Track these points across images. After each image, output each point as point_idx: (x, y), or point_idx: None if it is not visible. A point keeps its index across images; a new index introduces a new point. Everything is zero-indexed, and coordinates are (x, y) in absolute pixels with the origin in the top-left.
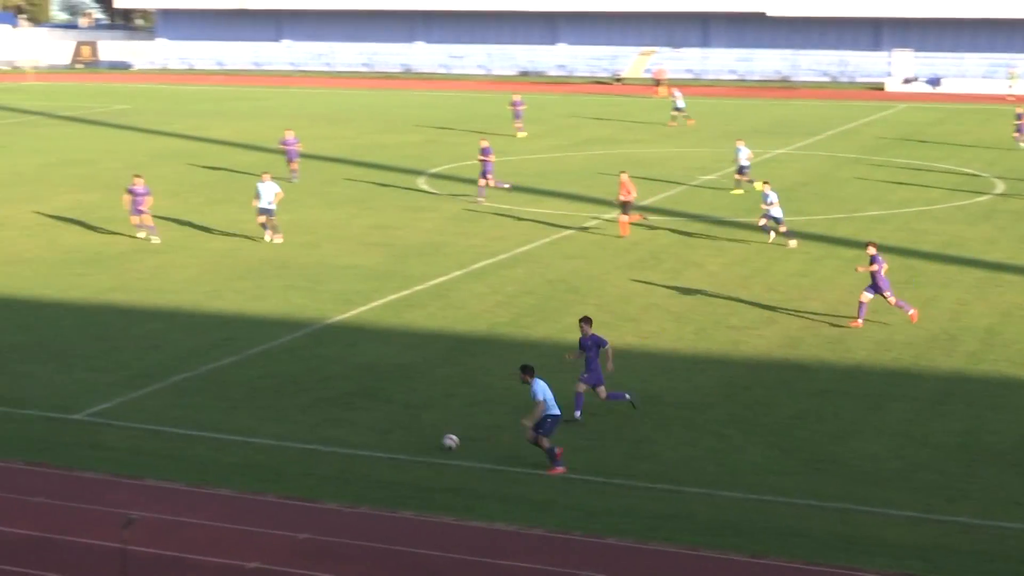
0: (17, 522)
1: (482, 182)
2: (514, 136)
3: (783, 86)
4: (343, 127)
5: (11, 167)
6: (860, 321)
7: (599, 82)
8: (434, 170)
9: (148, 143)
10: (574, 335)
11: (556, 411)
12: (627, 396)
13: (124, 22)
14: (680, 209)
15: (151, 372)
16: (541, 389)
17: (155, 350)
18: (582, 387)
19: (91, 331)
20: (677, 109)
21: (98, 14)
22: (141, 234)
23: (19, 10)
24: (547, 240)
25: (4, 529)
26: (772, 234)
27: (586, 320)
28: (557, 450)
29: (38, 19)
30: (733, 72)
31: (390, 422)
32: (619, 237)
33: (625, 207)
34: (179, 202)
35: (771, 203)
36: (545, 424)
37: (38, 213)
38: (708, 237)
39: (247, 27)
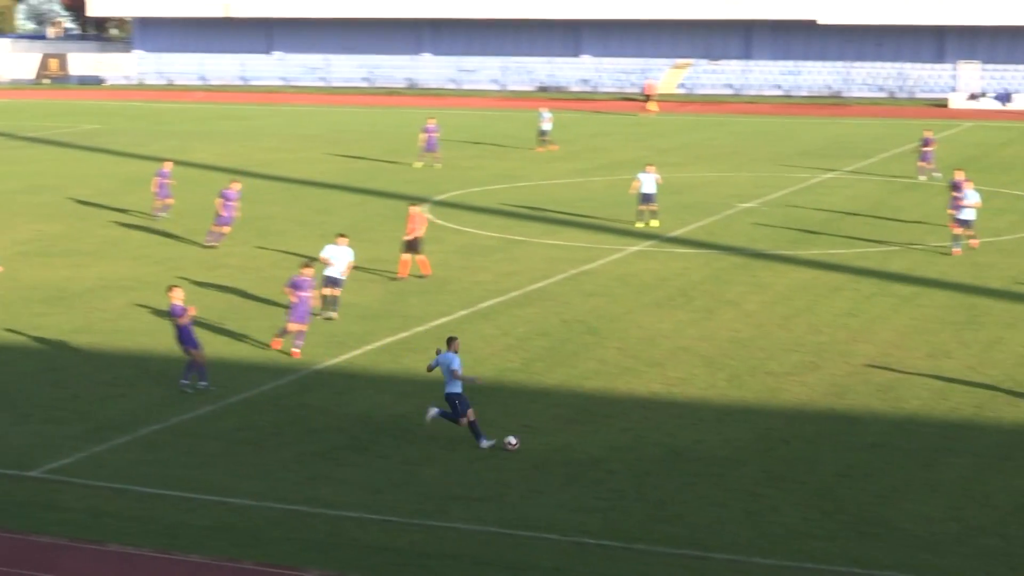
0: None
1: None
2: (412, 165)
3: (834, 102)
4: (339, 148)
5: None
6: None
7: (627, 98)
8: (440, 197)
9: (121, 167)
10: (592, 381)
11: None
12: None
13: (97, 32)
14: (715, 240)
15: (116, 423)
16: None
17: (121, 399)
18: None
19: (50, 377)
20: (543, 132)
21: (68, 23)
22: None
23: None
24: (564, 276)
25: None
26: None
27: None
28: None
29: (1, 29)
30: (778, 87)
31: (384, 480)
32: (394, 279)
33: (411, 245)
34: (153, 234)
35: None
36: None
37: None
38: (745, 272)
39: (233, 38)
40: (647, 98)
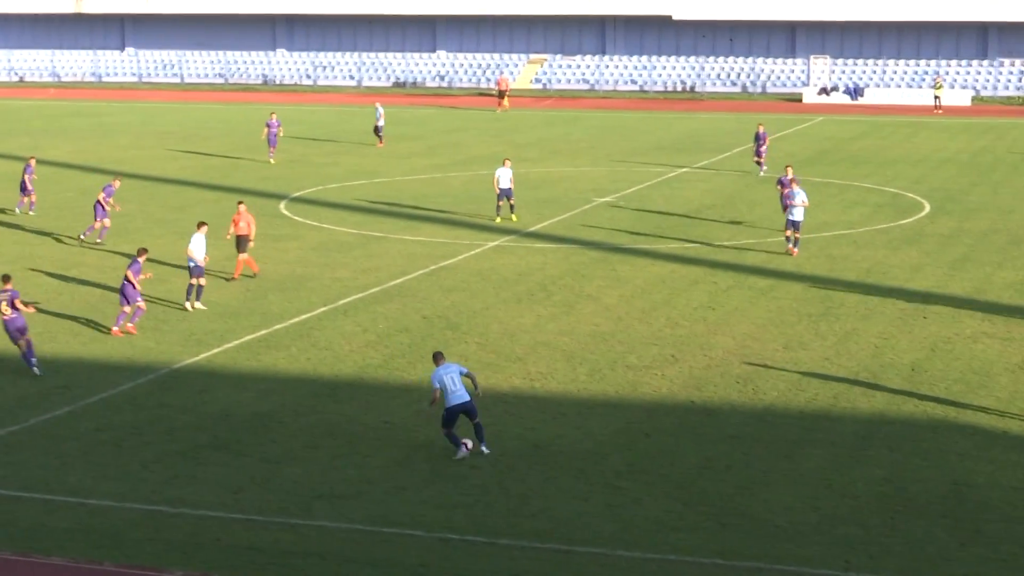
0: None
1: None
2: (269, 162)
3: (689, 97)
4: (195, 145)
5: None
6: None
7: (483, 94)
8: (297, 194)
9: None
10: None
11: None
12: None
13: None
14: (572, 235)
15: None
16: (437, 377)
17: None
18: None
19: None
20: (378, 128)
21: None
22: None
23: None
24: (424, 271)
25: None
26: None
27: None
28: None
29: None
30: (633, 82)
31: (245, 478)
32: (229, 279)
33: (241, 243)
34: (6, 232)
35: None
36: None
37: None
38: (604, 266)
39: (85, 33)
40: (501, 94)
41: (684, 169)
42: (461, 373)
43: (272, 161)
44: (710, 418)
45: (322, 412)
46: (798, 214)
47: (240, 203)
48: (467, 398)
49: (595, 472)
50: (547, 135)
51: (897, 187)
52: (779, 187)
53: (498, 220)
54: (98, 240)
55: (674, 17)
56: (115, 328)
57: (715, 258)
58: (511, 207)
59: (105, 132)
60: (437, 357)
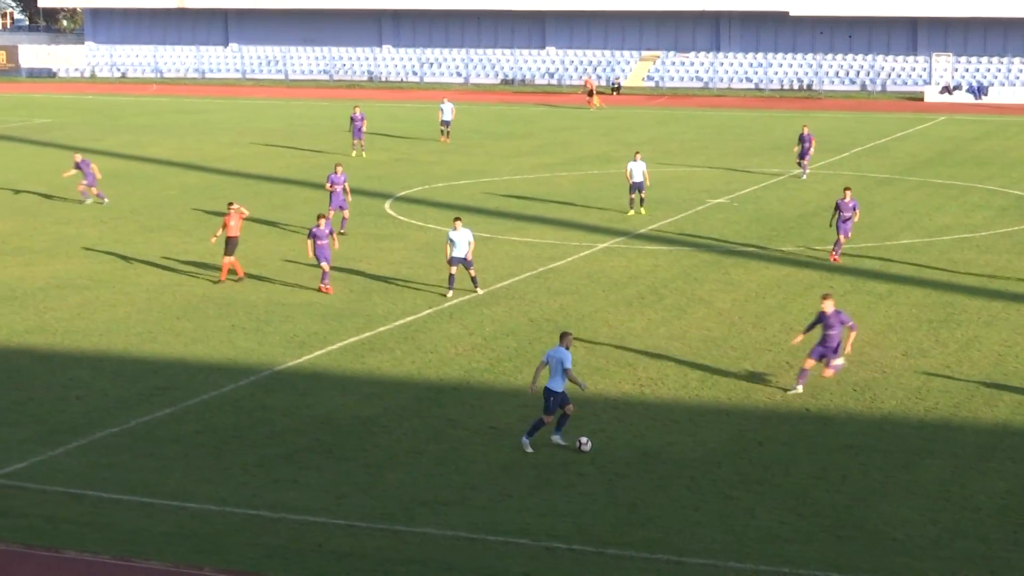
0: None
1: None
2: (350, 156)
3: (806, 96)
4: (299, 142)
5: None
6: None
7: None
8: (402, 193)
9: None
10: None
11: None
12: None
13: (47, 23)
14: (684, 237)
15: (72, 427)
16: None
17: (78, 401)
18: (810, 362)
19: (3, 379)
20: (444, 123)
21: (17, 14)
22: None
23: None
24: (532, 273)
25: None
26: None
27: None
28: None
29: None
30: (748, 80)
31: (348, 484)
32: (216, 283)
33: (229, 245)
34: (108, 230)
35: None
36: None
37: None
38: (717, 269)
39: (189, 29)
40: (589, 93)
41: (800, 170)
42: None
43: (357, 155)
44: (826, 427)
45: (426, 416)
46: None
47: (231, 204)
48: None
49: (706, 481)
50: (659, 134)
51: (1022, 190)
52: (836, 211)
53: (630, 213)
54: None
55: (791, 13)
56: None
57: (832, 263)
58: (641, 200)
59: (208, 129)
60: (564, 336)
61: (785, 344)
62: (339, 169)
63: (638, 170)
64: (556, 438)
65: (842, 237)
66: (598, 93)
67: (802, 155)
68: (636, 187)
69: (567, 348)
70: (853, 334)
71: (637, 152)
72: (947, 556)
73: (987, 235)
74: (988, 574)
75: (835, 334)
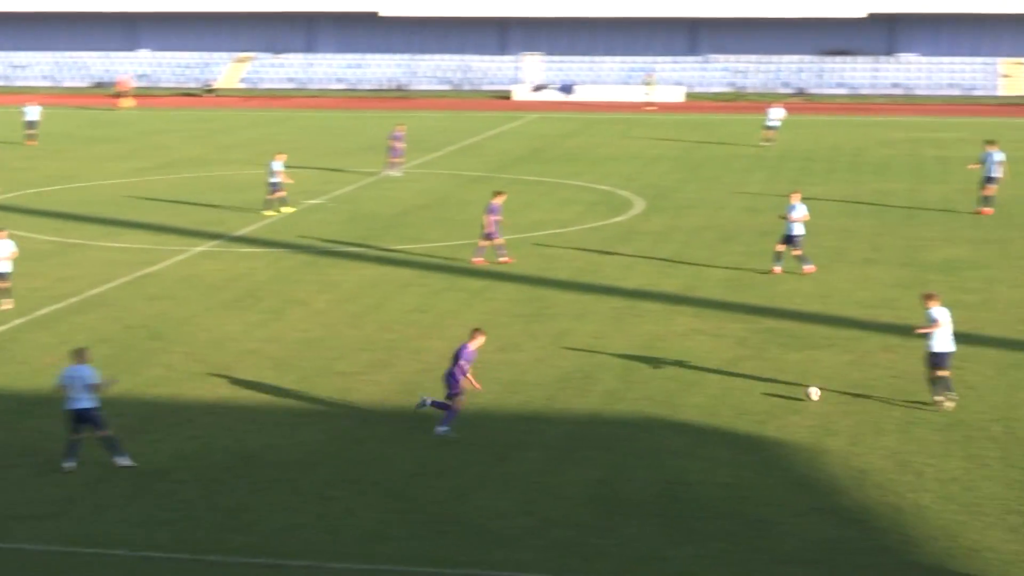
0: None
1: None
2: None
3: (399, 95)
4: None
5: None
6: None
7: (188, 94)
8: None
9: None
10: (158, 389)
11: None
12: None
13: None
14: (281, 239)
15: None
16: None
17: None
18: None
19: None
20: (30, 124)
21: None
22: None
23: None
24: (126, 279)
25: None
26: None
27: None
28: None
29: None
30: (342, 80)
31: None
32: None
33: None
34: None
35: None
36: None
37: None
38: (313, 270)
39: None
40: (118, 95)
41: (391, 171)
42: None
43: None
44: (423, 423)
45: (18, 429)
46: (796, 228)
47: None
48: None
49: (306, 482)
50: (255, 136)
51: (610, 184)
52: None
53: (268, 213)
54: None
55: (380, 13)
56: None
57: (427, 260)
58: (282, 200)
59: None
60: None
61: (382, 343)
62: None
63: (277, 168)
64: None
65: (488, 238)
66: (133, 96)
67: (395, 154)
68: (275, 187)
69: (86, 363)
70: None
71: (279, 153)
72: (543, 545)
73: (577, 230)
74: (582, 560)
75: None
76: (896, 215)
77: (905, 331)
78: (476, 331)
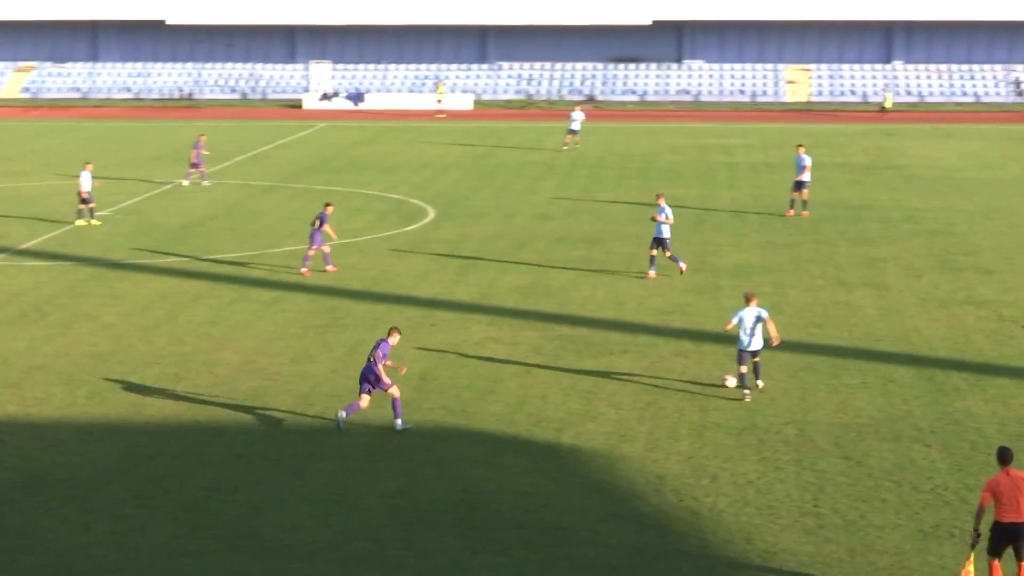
0: None
1: None
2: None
3: (186, 104)
4: None
5: None
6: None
7: None
8: None
9: None
10: None
11: None
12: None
13: None
14: (68, 252)
15: None
16: None
17: None
18: None
19: None
20: None
21: None
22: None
23: None
24: None
25: None
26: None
27: None
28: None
29: None
30: (128, 89)
31: None
32: None
33: None
34: None
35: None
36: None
37: None
38: (101, 283)
39: None
40: None
41: (184, 180)
42: None
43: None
44: (217, 438)
45: None
46: (665, 231)
47: None
48: None
49: (97, 500)
50: (37, 147)
51: (401, 193)
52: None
53: (79, 223)
54: None
55: (168, 22)
56: None
57: (218, 271)
58: (91, 212)
59: None
60: None
61: (174, 356)
62: None
63: (86, 179)
64: None
65: (314, 248)
66: None
67: (196, 163)
68: (85, 199)
69: None
70: None
71: (87, 163)
72: (341, 559)
73: (369, 239)
74: (382, 574)
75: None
76: (687, 221)
77: (698, 336)
78: (393, 329)
